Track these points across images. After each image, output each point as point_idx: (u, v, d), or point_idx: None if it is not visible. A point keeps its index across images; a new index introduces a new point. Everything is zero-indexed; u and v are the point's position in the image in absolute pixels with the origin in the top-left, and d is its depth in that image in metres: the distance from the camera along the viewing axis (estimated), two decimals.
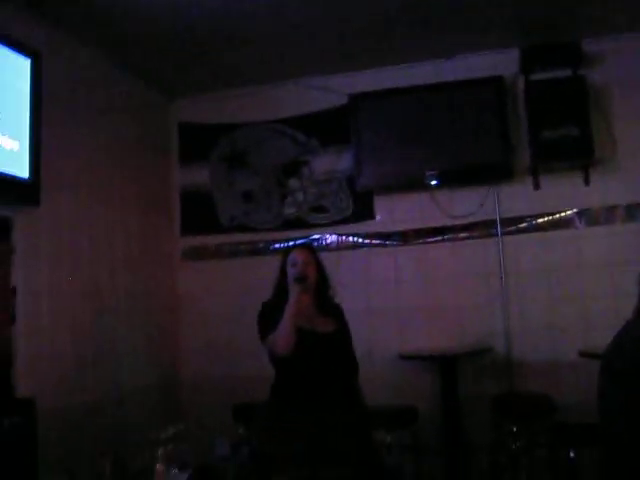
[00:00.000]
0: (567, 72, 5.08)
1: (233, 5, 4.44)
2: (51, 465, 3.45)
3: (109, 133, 5.13)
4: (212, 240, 5.95)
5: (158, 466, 3.07)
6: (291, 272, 3.58)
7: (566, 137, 4.98)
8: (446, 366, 5.01)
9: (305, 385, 3.44)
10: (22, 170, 3.93)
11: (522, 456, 4.78)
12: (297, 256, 3.64)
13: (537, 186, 5.26)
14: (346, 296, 5.34)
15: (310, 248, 3.94)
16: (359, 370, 3.68)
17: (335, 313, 3.74)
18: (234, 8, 4.47)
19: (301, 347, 3.45)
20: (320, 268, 3.71)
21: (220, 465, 4.86)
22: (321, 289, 3.70)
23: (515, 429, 4.78)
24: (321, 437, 3.28)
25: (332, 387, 3.48)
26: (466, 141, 5.26)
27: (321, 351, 3.53)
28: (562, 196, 5.23)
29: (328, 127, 5.72)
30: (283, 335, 3.43)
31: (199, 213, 6.00)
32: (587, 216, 5.19)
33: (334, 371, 3.53)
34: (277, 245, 5.75)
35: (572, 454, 4.01)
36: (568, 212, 5.22)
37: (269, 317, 3.54)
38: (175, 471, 3.04)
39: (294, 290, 3.49)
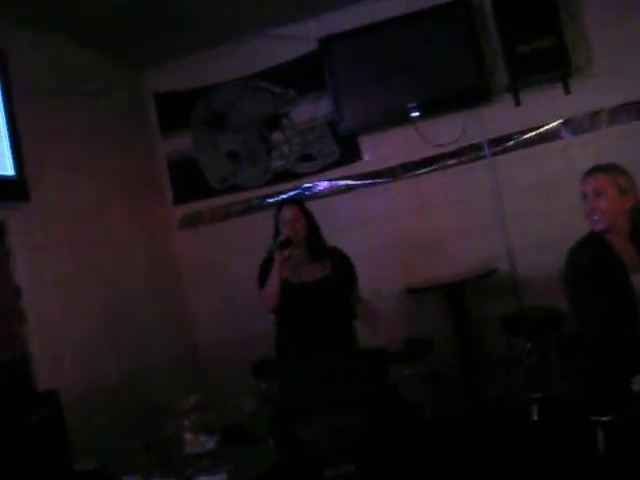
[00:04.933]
0: None
1: None
2: (82, 452, 3.53)
3: (85, 115, 5.09)
4: (205, 205, 5.96)
5: (187, 435, 3.13)
6: (282, 229, 3.90)
7: (541, 50, 4.94)
8: (454, 294, 5.07)
9: (303, 337, 3.68)
10: (7, 168, 3.94)
11: (537, 370, 4.88)
12: (286, 213, 3.96)
13: (518, 103, 5.24)
14: (345, 239, 5.43)
15: (298, 202, 4.24)
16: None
17: (331, 257, 4.06)
18: None
19: (290, 300, 3.82)
20: (309, 219, 4.03)
21: (250, 422, 4.99)
22: (312, 238, 4.02)
23: (529, 345, 4.87)
24: (335, 386, 3.40)
25: (329, 335, 3.80)
26: (442, 68, 5.23)
27: (310, 300, 3.86)
28: (544, 109, 5.20)
29: (303, 75, 5.65)
30: (267, 293, 3.84)
31: (189, 180, 5.98)
32: (572, 125, 5.19)
33: (329, 316, 3.86)
34: (270, 200, 5.75)
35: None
36: (553, 124, 5.22)
37: (265, 271, 3.90)
38: (204, 437, 3.10)
39: (279, 249, 3.79)
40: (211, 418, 3.21)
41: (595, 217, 3.07)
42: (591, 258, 3.04)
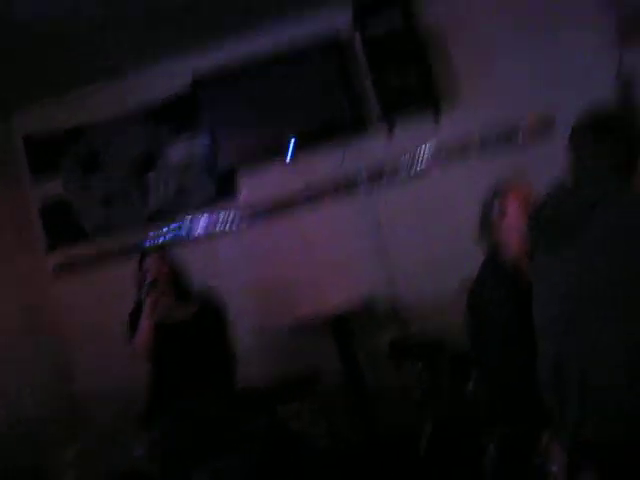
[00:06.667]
0: (399, 22, 5.13)
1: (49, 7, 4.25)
2: None
3: None
4: (81, 250, 5.74)
5: None
6: (147, 276, 4.02)
7: (409, 85, 5.10)
8: (338, 327, 5.11)
9: (173, 380, 3.94)
10: None
11: (429, 395, 4.93)
12: (149, 261, 4.10)
13: (391, 133, 5.34)
14: (227, 279, 5.41)
15: (160, 249, 4.50)
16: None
17: (197, 298, 4.19)
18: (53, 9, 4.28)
19: (162, 341, 3.95)
20: (172, 264, 4.19)
21: (143, 467, 4.81)
22: (178, 282, 4.16)
23: (420, 366, 4.91)
24: (219, 427, 3.38)
25: (199, 376, 3.93)
26: (317, 103, 5.30)
27: (182, 337, 4.00)
28: (417, 139, 5.32)
29: (177, 113, 5.59)
30: (138, 339, 3.97)
31: (62, 225, 5.75)
32: (443, 153, 5.32)
33: (199, 354, 3.99)
34: (148, 242, 5.61)
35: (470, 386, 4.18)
36: (425, 153, 5.34)
37: (134, 320, 4.03)
38: None
39: (146, 295, 3.95)
40: (93, 469, 3.06)
41: None
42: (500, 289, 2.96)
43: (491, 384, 3.06)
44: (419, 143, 5.33)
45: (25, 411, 4.90)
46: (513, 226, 3.01)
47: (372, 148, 5.39)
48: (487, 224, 3.14)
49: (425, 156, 5.34)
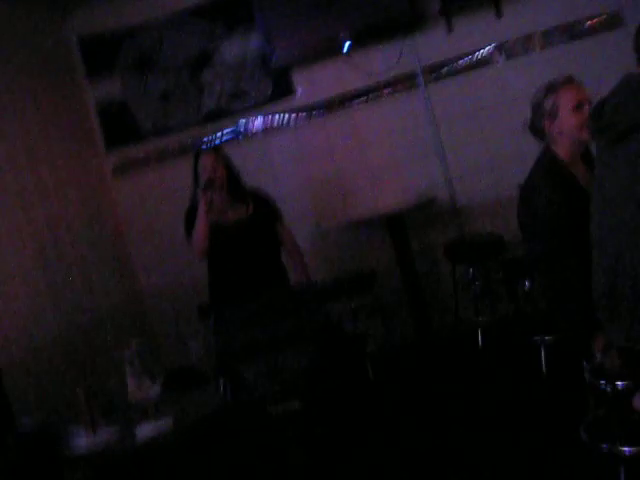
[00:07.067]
0: None
1: None
2: (29, 410, 3.48)
3: (10, 70, 4.89)
4: (139, 149, 5.80)
5: (130, 382, 3.09)
6: (202, 175, 4.00)
7: None
8: (394, 224, 5.06)
9: (234, 278, 3.93)
10: None
11: (482, 295, 4.96)
12: (204, 161, 4.06)
13: (451, 29, 5.18)
14: (283, 176, 5.45)
15: (216, 150, 4.32)
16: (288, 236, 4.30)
17: (252, 198, 4.17)
18: None
19: (218, 242, 3.98)
20: (227, 164, 4.14)
21: (199, 363, 4.98)
22: (233, 182, 4.13)
23: (471, 271, 4.94)
24: (276, 323, 3.43)
25: (258, 273, 3.97)
26: None
27: (237, 241, 4.02)
28: (477, 34, 5.14)
29: (230, 9, 5.49)
30: (196, 239, 4.00)
31: (120, 125, 5.79)
32: (505, 49, 5.15)
33: (256, 254, 4.03)
34: (205, 139, 5.65)
35: (527, 284, 4.18)
36: (486, 49, 5.17)
37: (190, 218, 4.05)
38: (147, 384, 3.07)
39: (201, 195, 3.95)
40: (154, 363, 3.17)
41: None
42: (554, 193, 2.80)
43: (542, 287, 3.03)
44: (479, 39, 5.15)
45: (90, 306, 5.08)
46: (564, 128, 2.90)
47: (431, 45, 5.23)
48: (538, 126, 3.03)
49: (485, 52, 5.17)
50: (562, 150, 2.93)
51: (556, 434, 3.29)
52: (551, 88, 2.96)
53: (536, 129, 3.05)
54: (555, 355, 3.67)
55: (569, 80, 2.97)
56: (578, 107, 2.87)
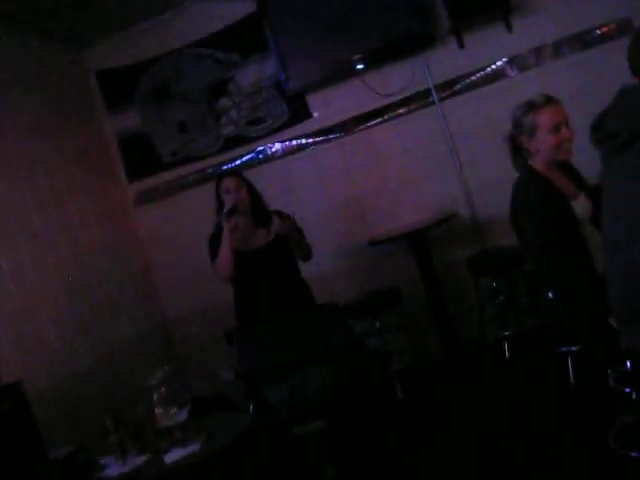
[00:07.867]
0: None
1: None
2: (58, 439, 3.52)
3: (30, 103, 5.02)
4: (160, 179, 5.91)
5: (158, 410, 3.12)
6: (226, 199, 4.00)
7: None
8: (416, 241, 5.08)
9: (260, 302, 3.72)
10: None
11: (506, 308, 4.95)
12: (227, 184, 4.04)
13: (462, 45, 5.21)
14: (304, 198, 5.47)
15: (236, 172, 4.38)
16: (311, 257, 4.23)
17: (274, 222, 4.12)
18: None
19: (243, 268, 3.99)
20: (250, 187, 4.14)
21: (229, 389, 5.01)
22: (255, 206, 4.14)
23: (494, 284, 4.93)
24: (299, 344, 3.44)
25: (284, 296, 3.98)
26: (384, 17, 5.13)
27: (262, 265, 4.03)
28: (488, 49, 5.18)
29: (245, 37, 5.57)
30: (221, 263, 4.00)
31: (140, 156, 5.91)
32: (516, 62, 5.17)
33: (281, 277, 4.05)
34: (225, 167, 5.73)
35: (550, 294, 4.16)
36: (498, 63, 5.20)
37: (215, 244, 4.04)
38: (174, 410, 3.09)
39: (226, 220, 3.94)
40: (181, 390, 3.20)
41: (566, 146, 3.03)
42: (538, 192, 3.03)
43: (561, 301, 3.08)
44: (491, 54, 5.18)
45: (117, 336, 5.14)
46: (541, 147, 3.04)
47: (443, 62, 5.27)
48: (517, 141, 3.17)
49: (497, 66, 5.19)
50: (539, 164, 3.10)
51: (586, 442, 3.27)
52: (531, 107, 3.05)
53: (514, 144, 3.22)
54: (583, 365, 3.65)
55: (549, 100, 3.06)
56: (556, 128, 3.00)
